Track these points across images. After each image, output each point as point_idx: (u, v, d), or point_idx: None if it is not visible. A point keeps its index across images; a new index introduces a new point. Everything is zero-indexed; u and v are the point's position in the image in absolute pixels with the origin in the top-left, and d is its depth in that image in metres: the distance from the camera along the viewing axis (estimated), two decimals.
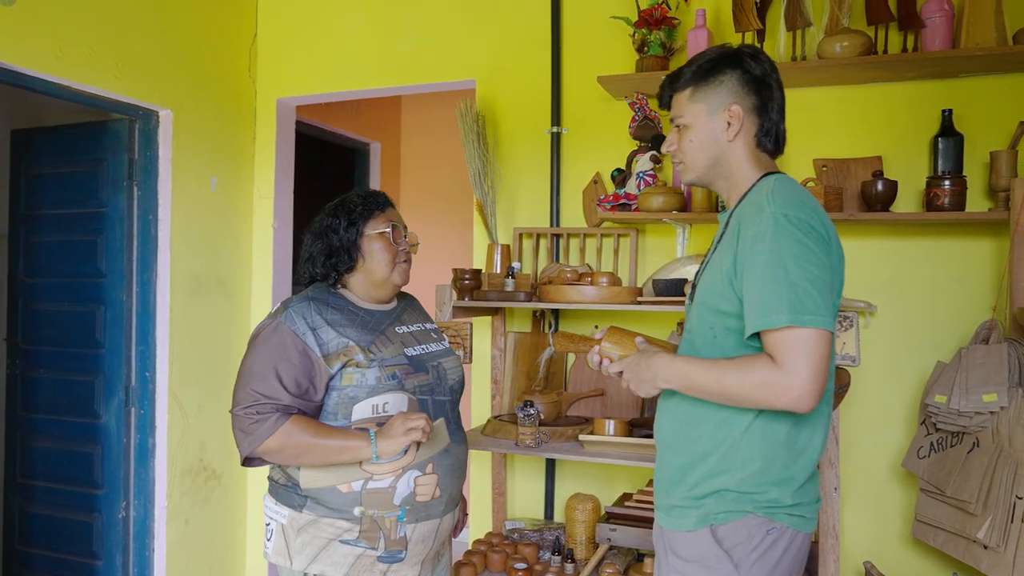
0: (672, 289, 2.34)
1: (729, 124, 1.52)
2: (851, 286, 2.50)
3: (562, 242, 2.88)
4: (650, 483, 2.50)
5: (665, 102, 1.62)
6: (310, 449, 1.66)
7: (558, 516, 2.89)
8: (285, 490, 1.76)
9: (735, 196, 1.55)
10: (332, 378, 1.71)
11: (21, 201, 3.20)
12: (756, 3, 2.47)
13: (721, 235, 1.54)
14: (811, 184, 2.34)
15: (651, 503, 1.96)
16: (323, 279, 1.82)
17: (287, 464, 1.73)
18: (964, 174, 2.34)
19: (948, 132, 2.37)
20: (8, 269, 3.27)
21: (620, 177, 2.69)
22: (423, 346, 1.85)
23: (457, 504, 1.86)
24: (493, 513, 2.89)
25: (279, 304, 1.79)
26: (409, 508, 1.72)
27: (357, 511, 1.69)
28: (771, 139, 1.55)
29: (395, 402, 1.72)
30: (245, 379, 1.71)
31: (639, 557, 2.57)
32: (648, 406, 2.66)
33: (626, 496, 2.58)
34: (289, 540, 1.73)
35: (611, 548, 2.52)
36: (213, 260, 3.21)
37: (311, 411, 1.72)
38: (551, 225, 2.90)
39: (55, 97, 2.68)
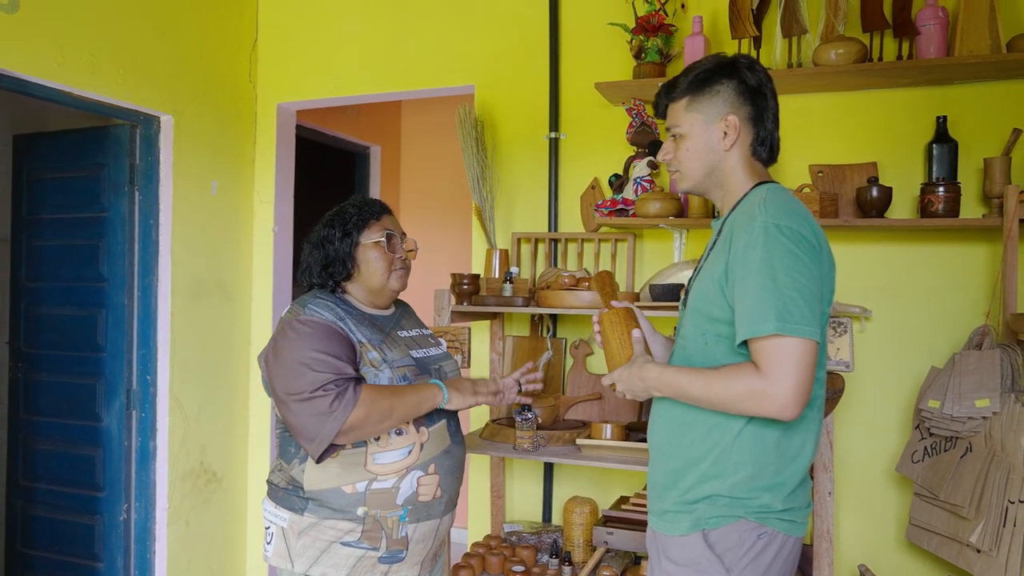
0: (669, 294, 2.36)
1: (725, 134, 1.53)
2: (846, 291, 2.52)
3: (560, 247, 2.90)
4: (647, 486, 2.52)
5: (661, 111, 1.64)
6: (392, 410, 1.67)
7: (556, 519, 2.91)
8: (286, 493, 1.77)
9: (729, 204, 1.57)
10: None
11: (23, 206, 3.22)
12: (752, 10, 2.49)
13: (714, 242, 1.55)
14: (807, 190, 2.36)
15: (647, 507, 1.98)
16: (321, 287, 1.85)
17: (367, 436, 1.69)
18: (958, 180, 2.35)
19: (942, 139, 2.38)
20: (10, 273, 3.29)
21: (618, 182, 2.71)
22: (424, 350, 1.90)
23: (455, 505, 1.89)
24: (491, 516, 2.91)
25: (292, 305, 1.80)
26: (411, 508, 1.75)
27: (360, 511, 1.71)
28: (766, 148, 1.57)
29: None
30: (299, 368, 1.66)
31: (636, 560, 2.58)
32: (645, 410, 2.67)
33: (623, 499, 2.60)
34: (290, 543, 1.74)
35: (608, 551, 2.54)
36: (214, 264, 3.23)
37: None
38: (549, 230, 2.91)
39: (57, 103, 2.70)
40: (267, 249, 3.41)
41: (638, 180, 2.63)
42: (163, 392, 3.00)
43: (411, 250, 1.90)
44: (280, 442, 1.83)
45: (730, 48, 2.60)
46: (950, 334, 2.43)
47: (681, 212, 2.53)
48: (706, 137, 1.55)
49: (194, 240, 3.12)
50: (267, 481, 1.86)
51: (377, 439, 1.74)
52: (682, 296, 1.65)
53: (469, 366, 2.53)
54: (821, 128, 2.59)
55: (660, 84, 1.65)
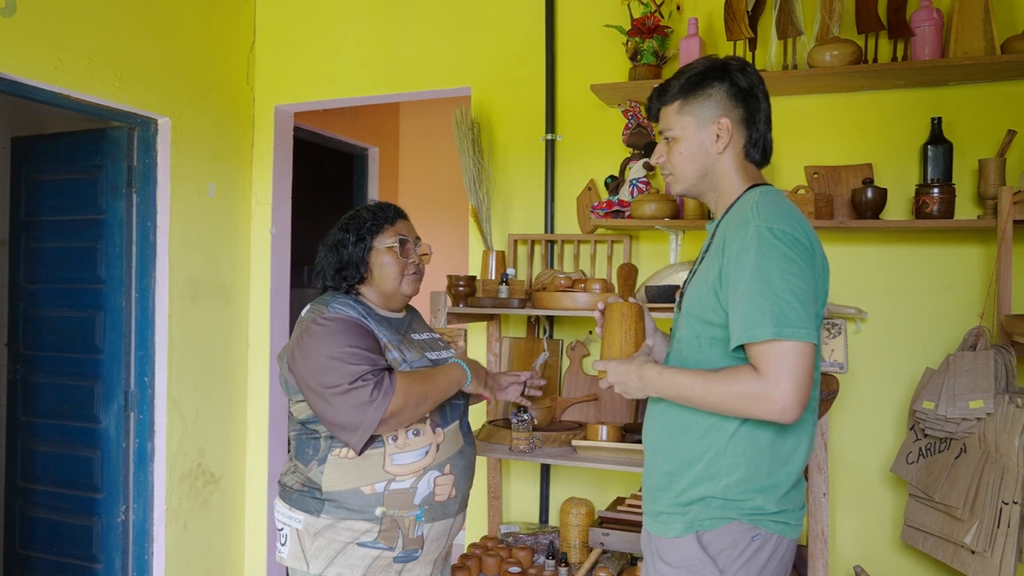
0: (664, 295, 2.37)
1: (718, 137, 1.54)
2: (841, 292, 2.53)
3: (556, 248, 2.90)
4: (642, 488, 2.52)
5: (653, 114, 1.64)
6: (427, 395, 1.73)
7: (552, 520, 2.92)
8: (301, 495, 1.78)
9: (722, 207, 1.57)
10: None
11: (21, 208, 3.23)
12: (748, 12, 2.49)
13: (708, 245, 1.56)
14: (802, 191, 2.36)
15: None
16: (335, 290, 1.87)
17: (405, 423, 1.72)
18: (953, 182, 2.36)
19: (937, 140, 2.39)
20: (8, 275, 3.31)
21: (614, 184, 2.72)
22: (436, 352, 1.92)
23: (467, 504, 1.92)
24: (488, 517, 2.92)
25: (314, 304, 1.81)
26: (428, 507, 1.78)
27: (379, 511, 1.73)
28: (759, 150, 1.57)
29: None
30: (333, 363, 1.67)
31: (632, 561, 2.59)
32: (640, 411, 2.68)
33: (619, 500, 2.61)
34: (305, 544, 1.76)
35: (604, 552, 2.55)
36: (211, 266, 3.23)
37: None
38: (545, 231, 2.92)
39: (55, 106, 2.71)
40: (265, 251, 3.42)
41: (634, 182, 2.63)
42: (161, 394, 3.01)
43: (425, 254, 1.93)
44: (296, 443, 1.84)
45: (725, 50, 2.61)
46: (945, 335, 2.44)
47: (677, 214, 2.53)
48: (699, 140, 1.55)
49: (192, 242, 3.13)
50: (279, 483, 1.87)
51: (395, 440, 1.75)
52: (677, 299, 1.66)
53: None
54: (816, 129, 2.60)
55: (653, 88, 1.65)
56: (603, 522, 2.47)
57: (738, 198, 1.54)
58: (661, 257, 2.78)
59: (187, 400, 3.09)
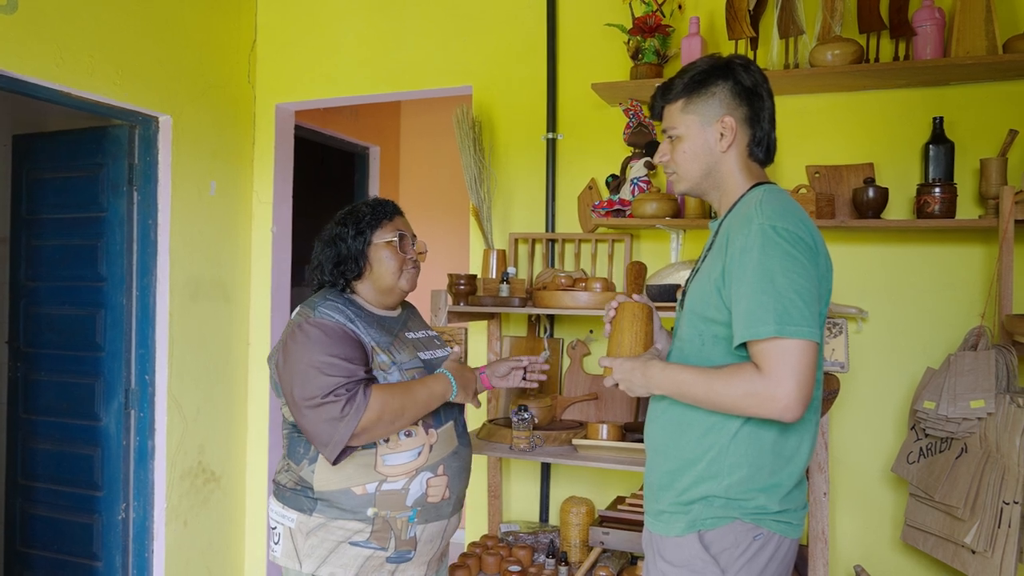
0: (665, 294, 2.37)
1: (722, 135, 1.53)
2: (842, 292, 2.53)
3: (557, 247, 2.90)
4: (644, 487, 2.52)
5: (657, 113, 1.63)
6: (404, 410, 1.69)
7: (553, 519, 2.91)
8: (294, 494, 1.78)
9: (726, 206, 1.57)
10: None
11: (22, 205, 3.23)
12: (749, 11, 2.49)
13: (711, 244, 1.55)
14: (803, 191, 2.36)
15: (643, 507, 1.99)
16: (332, 285, 1.86)
17: (381, 436, 1.70)
18: (955, 181, 2.35)
19: (939, 139, 2.38)
20: (9, 273, 3.30)
21: (615, 183, 2.71)
22: (431, 351, 1.91)
23: (463, 505, 1.91)
24: (488, 516, 2.92)
25: (302, 307, 1.80)
26: (420, 509, 1.77)
27: (370, 512, 1.72)
28: (762, 149, 1.57)
29: None
30: (310, 373, 1.67)
31: (633, 560, 2.59)
32: (641, 410, 2.68)
33: (620, 499, 2.61)
34: (298, 543, 1.75)
35: (605, 551, 2.55)
36: (212, 264, 3.23)
37: None
38: (546, 230, 2.92)
39: (56, 103, 2.71)
40: (266, 249, 3.42)
41: (635, 181, 2.63)
42: (161, 392, 3.01)
43: (421, 252, 1.93)
44: (288, 442, 1.84)
45: (727, 49, 2.61)
46: (946, 335, 2.44)
47: (678, 213, 2.53)
48: (703, 139, 1.55)
49: (193, 240, 3.13)
50: (273, 481, 1.86)
51: (387, 441, 1.75)
52: (679, 297, 1.65)
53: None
54: (818, 129, 2.59)
55: (657, 85, 1.65)
56: (603, 521, 2.47)
57: (742, 196, 1.53)
58: (662, 256, 2.78)
59: (187, 398, 3.09)
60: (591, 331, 2.85)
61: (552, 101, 2.92)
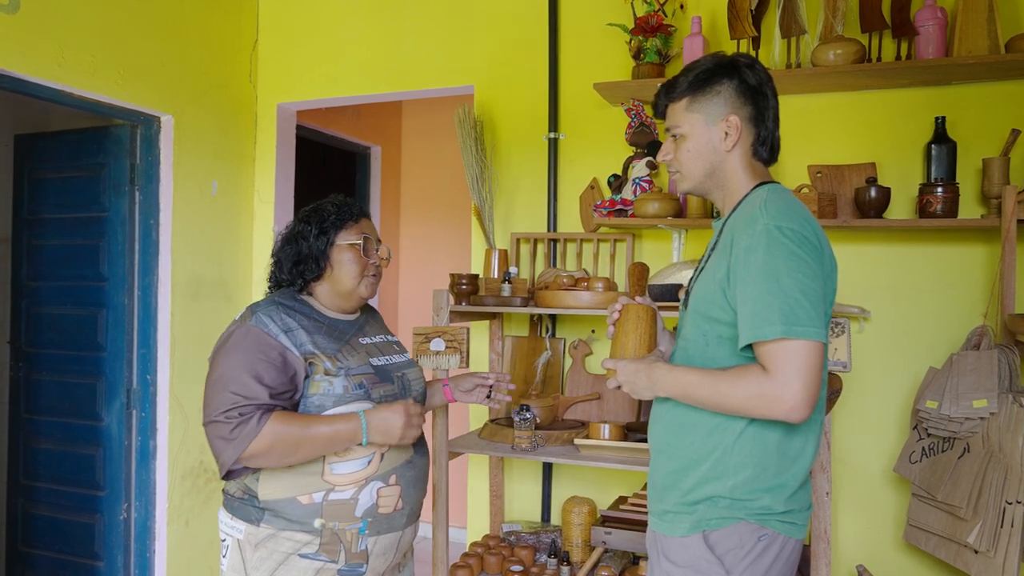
0: (667, 294, 2.36)
1: (727, 134, 1.52)
2: (845, 292, 2.52)
3: (559, 247, 2.90)
4: (646, 487, 2.52)
5: (661, 111, 1.62)
6: (300, 444, 1.60)
7: (555, 519, 2.91)
8: (241, 503, 1.69)
9: (730, 205, 1.56)
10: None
11: (24, 205, 3.23)
12: (751, 11, 2.49)
13: (714, 244, 1.55)
14: (805, 190, 2.36)
15: (646, 507, 1.98)
16: (289, 285, 1.80)
17: (275, 466, 1.64)
18: (957, 181, 2.35)
19: (941, 139, 2.38)
20: (11, 273, 3.31)
21: (616, 183, 2.71)
22: (387, 357, 1.83)
23: (419, 516, 1.83)
24: (490, 516, 2.92)
25: (245, 309, 1.74)
26: (371, 520, 1.69)
27: (317, 523, 1.65)
28: (767, 148, 1.56)
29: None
30: (219, 385, 1.61)
31: (635, 560, 2.59)
32: (644, 410, 2.68)
33: (622, 499, 2.60)
34: (246, 556, 1.67)
35: (607, 551, 2.55)
36: (214, 264, 3.24)
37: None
38: (548, 230, 2.92)
39: (57, 103, 2.71)
40: (267, 249, 3.41)
41: (637, 180, 2.63)
42: (163, 391, 3.01)
43: (384, 258, 1.85)
44: None
45: (729, 48, 2.60)
46: (948, 334, 2.43)
47: (680, 212, 2.53)
48: (707, 138, 1.54)
49: (194, 240, 3.13)
50: (223, 491, 1.77)
51: None
52: (682, 297, 1.65)
53: (468, 366, 2.53)
54: (820, 128, 2.59)
55: (659, 84, 1.64)
56: (605, 521, 2.47)
57: (745, 196, 1.52)
58: (664, 256, 2.77)
59: (189, 398, 3.09)
60: (593, 331, 2.85)
61: (554, 101, 2.92)
